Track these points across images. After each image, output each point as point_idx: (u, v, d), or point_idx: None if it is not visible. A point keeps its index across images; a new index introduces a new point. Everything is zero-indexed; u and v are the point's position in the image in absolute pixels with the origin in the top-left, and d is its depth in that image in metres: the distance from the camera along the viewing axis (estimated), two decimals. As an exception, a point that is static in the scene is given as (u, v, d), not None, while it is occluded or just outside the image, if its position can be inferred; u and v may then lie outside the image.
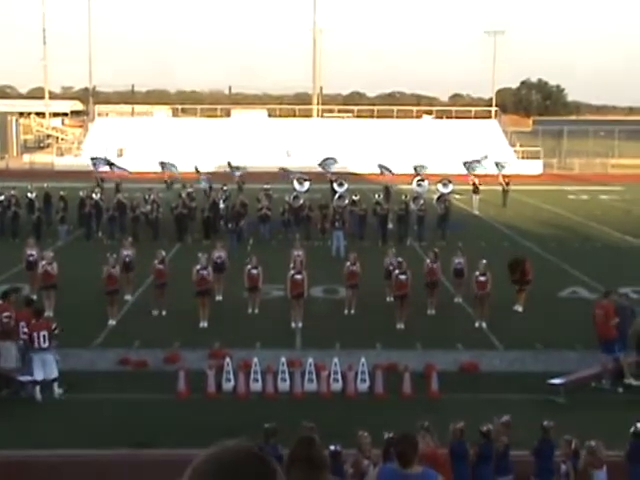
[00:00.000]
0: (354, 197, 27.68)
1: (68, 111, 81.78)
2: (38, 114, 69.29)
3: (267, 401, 12.76)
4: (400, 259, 17.49)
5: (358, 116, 63.08)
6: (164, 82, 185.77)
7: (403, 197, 27.85)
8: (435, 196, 29.36)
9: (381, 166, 35.03)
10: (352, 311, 17.68)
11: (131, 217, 26.40)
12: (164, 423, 11.80)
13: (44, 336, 12.86)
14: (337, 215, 25.19)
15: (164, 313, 17.31)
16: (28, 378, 12.98)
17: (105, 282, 16.79)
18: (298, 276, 16.74)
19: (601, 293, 16.00)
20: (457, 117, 60.92)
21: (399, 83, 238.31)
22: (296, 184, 30.14)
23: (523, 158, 54.16)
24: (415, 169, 34.55)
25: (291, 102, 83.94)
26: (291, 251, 19.51)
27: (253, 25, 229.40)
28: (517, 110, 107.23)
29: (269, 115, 61.85)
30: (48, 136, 67.90)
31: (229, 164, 36.72)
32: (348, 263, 17.84)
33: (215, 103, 75.10)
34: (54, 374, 12.92)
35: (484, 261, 17.13)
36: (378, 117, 60.77)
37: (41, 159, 55.56)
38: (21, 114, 66.40)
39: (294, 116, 61.87)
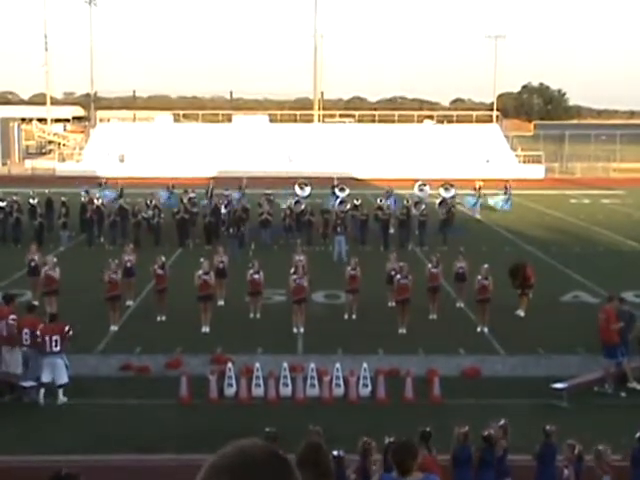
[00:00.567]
0: (355, 202, 27.71)
1: (70, 117, 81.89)
2: (40, 120, 69.41)
3: (269, 406, 12.75)
4: (402, 263, 17.50)
5: (359, 121, 63.16)
6: (165, 88, 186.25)
7: (405, 202, 27.88)
8: (437, 201, 29.38)
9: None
10: (353, 316, 17.67)
11: (133, 222, 26.44)
12: (166, 428, 11.81)
13: (56, 340, 12.90)
14: (338, 220, 25.21)
15: (164, 318, 17.32)
16: (31, 384, 13.01)
17: (106, 288, 16.81)
18: (300, 281, 16.75)
19: (603, 297, 16.02)
20: (458, 122, 60.96)
21: (400, 88, 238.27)
22: (297, 189, 30.20)
23: (525, 162, 54.21)
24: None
25: (292, 107, 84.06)
26: (292, 256, 19.52)
27: (254, 30, 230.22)
28: (518, 114, 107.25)
29: (270, 120, 61.94)
30: (50, 142, 68.01)
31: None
32: (349, 268, 17.85)
33: (216, 108, 75.25)
34: (63, 380, 12.94)
35: (486, 265, 17.12)
36: (379, 122, 60.85)
37: (43, 165, 55.65)
38: (23, 120, 66.50)
39: (295, 121, 61.96)
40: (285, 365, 13.31)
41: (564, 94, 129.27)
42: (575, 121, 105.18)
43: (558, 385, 13.07)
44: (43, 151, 67.33)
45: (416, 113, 65.29)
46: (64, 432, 11.76)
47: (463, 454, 9.28)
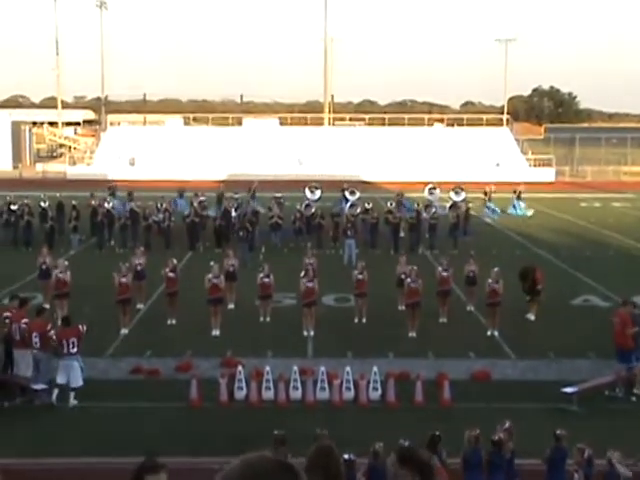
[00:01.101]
0: (367, 205, 27.70)
1: (80, 120, 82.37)
2: (51, 123, 69.85)
3: (279, 409, 12.76)
4: (412, 267, 17.50)
5: (369, 124, 63.16)
6: (176, 91, 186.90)
7: (415, 205, 27.87)
8: (447, 204, 29.36)
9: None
10: (363, 319, 17.67)
11: (143, 226, 26.53)
12: (177, 431, 11.83)
13: (73, 342, 12.99)
14: (349, 223, 25.22)
15: (174, 322, 17.37)
16: (42, 386, 13.08)
17: (117, 291, 16.89)
18: (310, 284, 16.77)
19: (614, 301, 15.95)
20: (469, 125, 60.85)
21: (410, 91, 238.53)
22: (307, 192, 30.23)
23: (535, 166, 54.10)
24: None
25: (302, 110, 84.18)
26: (303, 259, 19.55)
27: (265, 34, 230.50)
28: (529, 118, 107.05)
29: (280, 123, 62.04)
30: (61, 145, 68.43)
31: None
32: (356, 272, 17.85)
33: (227, 111, 75.46)
34: (78, 383, 13.01)
35: (496, 269, 17.08)
36: (389, 125, 60.82)
37: (54, 168, 55.99)
38: (34, 123, 66.91)
39: (305, 124, 62.02)
40: (295, 368, 13.32)
41: (575, 97, 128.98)
42: (586, 124, 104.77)
43: (568, 389, 13.02)
44: (54, 154, 67.75)
45: (426, 116, 65.21)
46: (74, 435, 11.81)
47: (474, 457, 9.27)
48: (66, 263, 18.15)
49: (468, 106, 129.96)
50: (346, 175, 43.73)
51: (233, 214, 26.87)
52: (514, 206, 35.01)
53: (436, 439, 9.06)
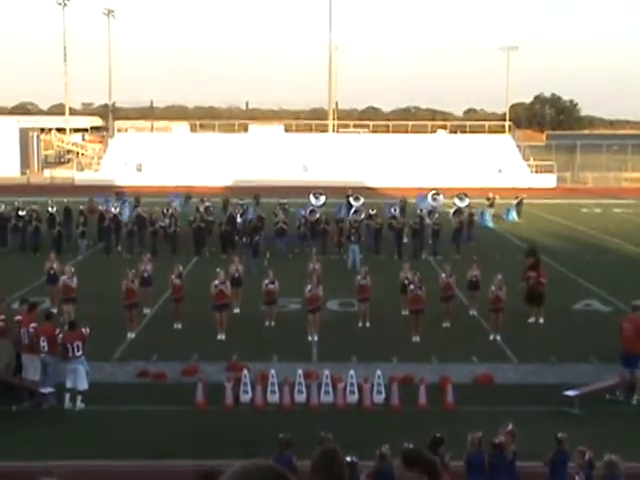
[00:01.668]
0: (370, 211, 27.88)
1: (88, 127, 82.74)
2: (59, 130, 70.19)
3: (284, 413, 12.89)
4: (414, 273, 17.67)
5: (373, 131, 63.33)
6: (182, 98, 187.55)
7: (418, 211, 28.04)
8: (451, 210, 29.51)
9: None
10: (367, 324, 17.83)
11: (150, 231, 26.75)
12: (183, 434, 11.94)
13: (78, 346, 13.17)
14: (353, 229, 25.40)
15: (180, 326, 17.56)
16: (49, 390, 13.24)
17: (124, 296, 17.09)
18: (315, 290, 16.94)
19: (615, 306, 16.03)
20: (471, 132, 61.01)
21: (414, 98, 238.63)
22: (312, 198, 30.44)
23: (537, 172, 54.24)
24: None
25: (307, 117, 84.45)
26: (307, 265, 19.72)
27: (270, 42, 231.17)
28: (531, 125, 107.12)
29: (286, 130, 62.27)
30: (68, 151, 68.75)
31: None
32: (359, 277, 18.01)
33: (232, 118, 75.77)
34: (83, 386, 13.16)
35: (500, 276, 17.22)
36: (393, 132, 60.98)
37: (61, 174, 56.29)
38: (42, 130, 67.29)
39: (310, 131, 62.24)
40: (300, 372, 13.45)
41: (576, 104, 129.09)
42: (587, 131, 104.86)
43: (570, 392, 13.13)
44: (62, 161, 68.06)
45: (429, 123, 65.37)
46: (81, 438, 11.92)
47: (477, 459, 9.37)
48: (72, 269, 18.36)
49: (471, 113, 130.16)
50: (350, 181, 43.91)
51: (238, 220, 27.07)
52: (508, 211, 35.02)
53: (438, 441, 9.08)
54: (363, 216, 27.46)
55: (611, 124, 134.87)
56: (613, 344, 14.40)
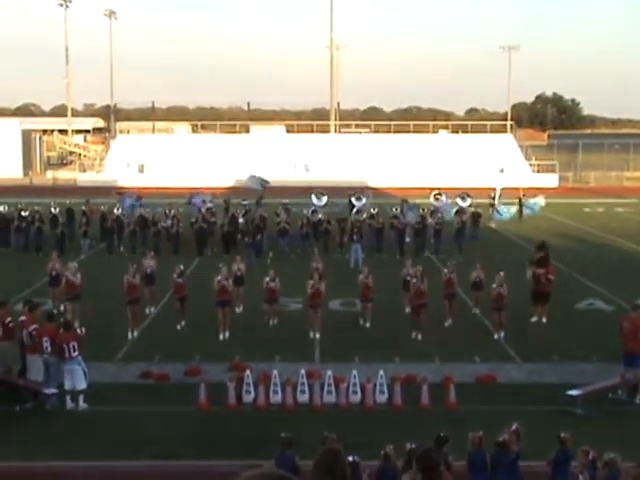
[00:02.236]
0: (372, 211, 27.91)
1: (90, 128, 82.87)
2: (61, 131, 70.35)
3: (287, 413, 12.91)
4: (418, 267, 17.70)
5: (375, 131, 63.35)
6: (184, 99, 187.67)
7: (420, 210, 28.06)
8: (453, 210, 29.49)
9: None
10: (367, 324, 17.84)
11: (152, 231, 26.83)
12: (185, 435, 11.96)
13: (73, 346, 13.18)
14: (355, 228, 25.44)
15: (183, 326, 17.57)
16: (52, 391, 13.27)
17: (125, 291, 17.12)
18: (317, 286, 16.96)
19: (618, 305, 16.03)
20: (473, 131, 61.01)
21: (416, 98, 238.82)
22: (314, 198, 30.46)
23: (539, 172, 54.25)
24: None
25: (309, 118, 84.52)
26: (310, 264, 19.75)
27: (271, 42, 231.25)
28: (532, 124, 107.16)
29: (287, 131, 62.31)
30: (71, 153, 68.87)
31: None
32: (361, 276, 18.03)
33: (234, 119, 75.84)
34: (82, 386, 13.18)
35: (501, 273, 17.25)
36: (395, 132, 60.99)
37: (64, 175, 56.43)
38: (44, 131, 67.42)
39: (312, 131, 62.26)
40: (302, 372, 13.48)
41: (578, 104, 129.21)
42: (589, 130, 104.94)
43: (573, 392, 13.13)
44: (64, 162, 68.17)
45: (431, 123, 65.35)
46: (85, 438, 11.93)
47: (478, 459, 9.38)
48: (76, 265, 18.40)
49: (472, 113, 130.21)
50: (352, 181, 43.95)
51: (240, 220, 27.11)
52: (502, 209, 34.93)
53: (442, 440, 9.10)
54: (365, 216, 27.48)
55: (613, 123, 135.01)
56: (616, 343, 14.40)
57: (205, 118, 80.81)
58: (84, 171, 56.64)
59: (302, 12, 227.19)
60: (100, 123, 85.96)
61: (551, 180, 52.71)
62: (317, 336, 16.78)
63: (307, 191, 32.94)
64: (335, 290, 19.43)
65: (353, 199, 30.19)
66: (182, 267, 18.44)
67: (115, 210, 27.91)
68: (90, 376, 13.42)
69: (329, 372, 13.51)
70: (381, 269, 21.46)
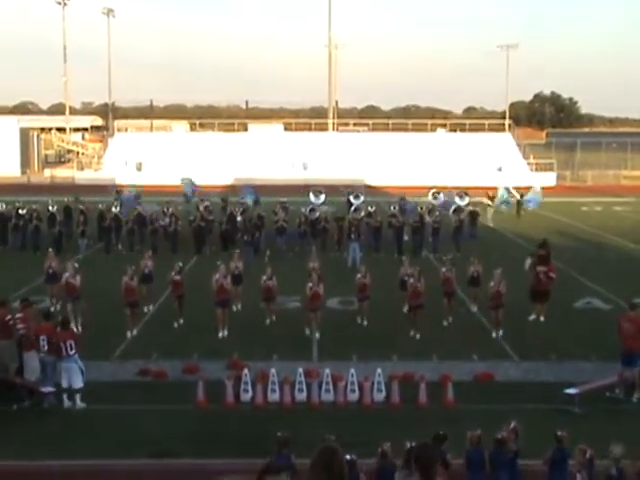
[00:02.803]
0: (370, 209, 27.92)
1: (88, 126, 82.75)
2: (59, 129, 70.24)
3: (285, 411, 12.90)
4: (416, 267, 17.71)
5: (373, 129, 63.38)
6: (182, 97, 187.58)
7: (419, 209, 28.07)
8: (451, 208, 29.51)
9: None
10: (364, 322, 17.85)
11: (150, 230, 26.81)
12: (183, 433, 11.96)
13: (70, 344, 13.17)
14: (353, 227, 25.44)
15: (181, 323, 17.57)
16: (49, 389, 13.26)
17: (123, 294, 17.12)
18: (315, 289, 16.96)
19: (616, 304, 16.04)
20: (471, 130, 61.08)
21: (414, 97, 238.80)
22: (312, 197, 30.48)
23: (537, 170, 54.31)
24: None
25: (307, 116, 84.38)
26: (307, 263, 19.74)
27: (270, 40, 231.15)
28: (530, 123, 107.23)
29: (285, 129, 62.32)
30: (69, 151, 68.81)
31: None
32: (359, 275, 18.04)
33: (232, 117, 75.79)
34: (78, 384, 13.16)
35: (499, 271, 17.26)
36: (393, 130, 61.04)
37: (62, 173, 56.39)
38: (42, 130, 67.33)
39: (310, 130, 62.28)
40: (300, 371, 13.48)
41: (576, 102, 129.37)
42: (586, 129, 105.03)
43: (570, 390, 13.14)
44: (62, 160, 68.13)
45: (429, 122, 65.42)
46: (82, 437, 11.91)
47: (476, 457, 9.39)
48: (76, 265, 18.37)
49: (470, 111, 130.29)
50: (350, 179, 43.96)
51: (238, 218, 27.12)
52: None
53: (441, 438, 9.08)
54: (363, 214, 27.49)
55: (611, 122, 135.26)
56: (613, 342, 14.39)
57: (203, 116, 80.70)
58: (82, 169, 56.62)
59: (301, 11, 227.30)
60: (98, 121, 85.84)
61: (549, 179, 52.77)
62: (317, 336, 16.78)
63: (305, 189, 32.96)
64: (333, 289, 19.43)
65: (351, 197, 30.20)
66: (181, 264, 18.44)
67: (113, 208, 27.89)
68: (88, 374, 13.42)
69: (327, 370, 13.51)
70: (379, 268, 21.46)
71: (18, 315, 14.18)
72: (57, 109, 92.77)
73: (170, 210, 27.64)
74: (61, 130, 69.89)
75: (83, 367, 13.36)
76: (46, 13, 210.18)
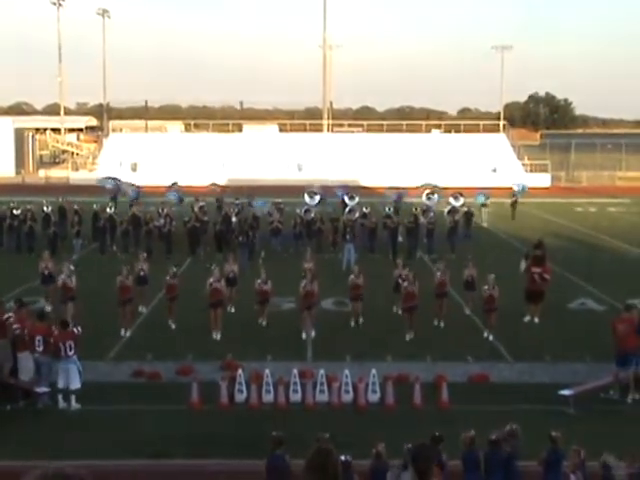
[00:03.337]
0: (364, 210, 27.94)
1: (83, 127, 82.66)
2: (54, 130, 70.10)
3: (279, 412, 12.87)
4: (408, 271, 17.70)
5: (368, 130, 63.43)
6: (176, 98, 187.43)
7: (413, 210, 28.09)
8: (446, 209, 29.56)
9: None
10: (360, 321, 17.84)
11: (145, 231, 26.76)
12: (177, 434, 11.94)
13: (70, 345, 13.16)
14: (347, 228, 25.44)
15: (175, 325, 17.55)
16: (44, 390, 13.23)
17: (118, 292, 17.09)
18: (309, 287, 16.96)
19: (610, 305, 16.06)
20: (466, 131, 61.20)
21: (408, 98, 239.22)
22: (307, 197, 30.47)
23: (531, 171, 54.44)
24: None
25: (302, 117, 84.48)
26: (302, 264, 19.73)
27: (264, 41, 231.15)
28: (525, 124, 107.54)
29: (280, 130, 62.34)
30: (63, 151, 68.66)
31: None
32: (352, 276, 18.04)
33: (227, 118, 75.69)
34: (75, 385, 13.14)
35: (492, 275, 17.27)
36: (388, 131, 61.11)
37: (57, 174, 56.24)
38: (37, 130, 67.20)
39: (305, 131, 62.30)
40: (295, 371, 13.49)
41: (570, 103, 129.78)
42: (581, 130, 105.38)
43: (565, 391, 13.16)
44: (57, 160, 67.97)
45: (424, 122, 65.52)
46: (77, 437, 11.89)
47: (470, 458, 9.39)
48: (72, 267, 18.33)
49: (465, 112, 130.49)
50: (345, 180, 43.94)
51: (233, 219, 27.09)
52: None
53: (437, 439, 9.07)
54: (357, 215, 27.50)
55: (605, 123, 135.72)
56: (607, 343, 14.43)
57: (198, 117, 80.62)
58: (77, 170, 56.48)
59: (295, 12, 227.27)
60: (93, 122, 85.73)
61: (543, 180, 52.90)
62: (312, 334, 16.77)
63: (299, 190, 32.95)
64: (327, 290, 19.43)
65: (346, 198, 30.19)
66: (175, 269, 18.42)
67: (107, 209, 27.83)
68: (83, 375, 13.38)
69: (321, 371, 13.51)
70: (374, 269, 21.47)
71: (11, 314, 14.16)
72: (52, 109, 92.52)
73: (165, 211, 27.60)
74: (56, 130, 69.74)
75: (81, 368, 13.34)
76: (41, 13, 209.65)
